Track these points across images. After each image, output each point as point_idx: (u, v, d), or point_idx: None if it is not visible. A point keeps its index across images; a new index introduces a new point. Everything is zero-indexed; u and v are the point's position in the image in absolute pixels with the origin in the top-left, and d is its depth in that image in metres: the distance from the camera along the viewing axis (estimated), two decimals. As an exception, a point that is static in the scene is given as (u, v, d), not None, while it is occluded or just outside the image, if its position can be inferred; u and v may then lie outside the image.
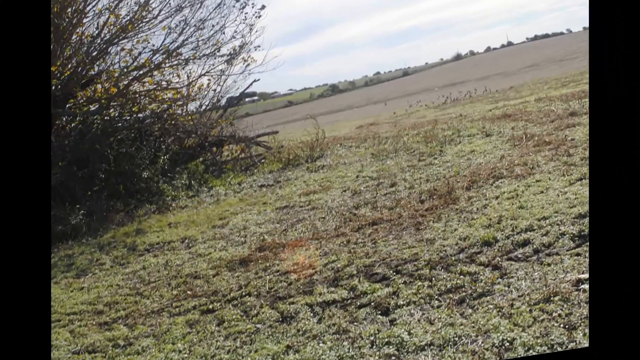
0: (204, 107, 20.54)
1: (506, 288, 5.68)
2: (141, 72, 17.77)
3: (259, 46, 19.77)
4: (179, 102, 18.82)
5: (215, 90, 20.26)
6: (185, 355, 5.91)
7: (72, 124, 16.69)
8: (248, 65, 19.90)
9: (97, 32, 17.04)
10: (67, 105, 16.89)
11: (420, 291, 6.05)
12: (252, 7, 19.39)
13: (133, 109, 17.90)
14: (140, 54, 17.66)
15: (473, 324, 5.15)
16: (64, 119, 16.94)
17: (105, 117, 16.94)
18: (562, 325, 4.81)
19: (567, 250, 6.25)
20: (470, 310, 5.44)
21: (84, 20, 16.91)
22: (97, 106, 17.21)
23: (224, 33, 19.10)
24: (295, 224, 10.08)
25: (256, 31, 19.40)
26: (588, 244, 5.93)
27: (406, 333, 5.25)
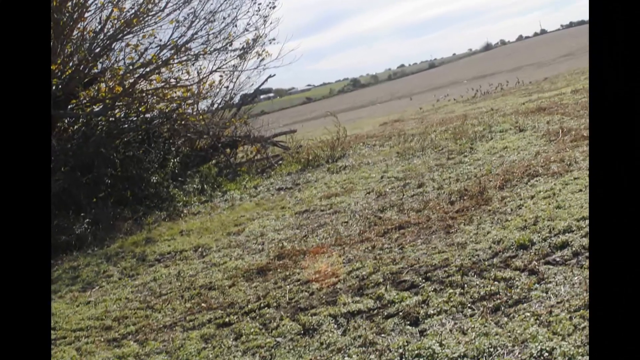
0: (216, 105, 20.57)
1: (544, 294, 5.66)
2: (148, 69, 17.76)
3: (273, 39, 19.58)
4: (189, 101, 18.79)
5: (227, 87, 20.27)
6: (201, 371, 5.94)
7: (75, 126, 16.73)
8: (262, 59, 19.84)
9: (99, 27, 17.05)
10: (69, 106, 16.95)
11: (451, 299, 6.04)
12: None
13: (140, 109, 17.90)
14: (146, 49, 17.67)
15: (509, 334, 5.14)
16: (66, 121, 17.00)
17: (110, 118, 16.98)
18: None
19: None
20: (505, 319, 5.43)
21: (86, 15, 16.94)
22: (101, 107, 17.27)
23: (236, 26, 18.96)
24: (316, 229, 10.10)
25: (270, 23, 19.34)
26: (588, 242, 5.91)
27: (437, 344, 5.24)
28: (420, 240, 8.12)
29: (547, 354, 4.72)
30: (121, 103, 17.66)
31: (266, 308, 7.09)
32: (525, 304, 5.59)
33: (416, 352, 5.22)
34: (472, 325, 5.43)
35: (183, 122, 18.30)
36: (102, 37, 17.04)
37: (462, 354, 5.01)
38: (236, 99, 21.30)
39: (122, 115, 17.78)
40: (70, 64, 16.81)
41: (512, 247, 6.98)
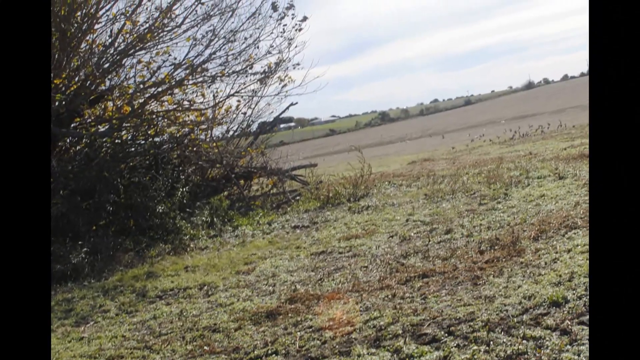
0: (231, 132, 20.55)
1: (576, 357, 5.66)
2: (160, 89, 17.75)
3: (298, 64, 19.55)
4: (203, 126, 18.79)
5: (245, 113, 20.30)
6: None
7: (78, 147, 16.76)
8: (285, 85, 19.84)
9: (110, 40, 17.10)
10: (72, 125, 16.98)
11: (475, 356, 6.05)
12: (292, 18, 19.05)
13: (149, 132, 17.88)
14: (159, 67, 17.70)
15: (536, 398, 5.14)
16: (68, 140, 17.02)
17: (116, 140, 17.03)
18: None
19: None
20: (533, 382, 5.43)
21: (96, 27, 16.99)
22: (107, 127, 17.31)
23: (257, 47, 18.96)
24: (333, 272, 10.12)
25: (295, 46, 19.32)
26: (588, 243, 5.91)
27: (457, 405, 5.25)
28: (445, 291, 8.13)
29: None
30: (129, 124, 17.61)
31: (274, 355, 7.10)
32: (555, 367, 5.58)
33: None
34: (496, 387, 5.43)
35: (195, 149, 18.23)
36: (112, 51, 17.06)
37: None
38: (254, 127, 21.32)
39: (129, 137, 17.78)
40: (76, 79, 16.84)
41: (544, 303, 6.97)
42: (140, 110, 17.52)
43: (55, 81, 15.85)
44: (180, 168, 17.39)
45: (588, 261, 4.27)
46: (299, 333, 7.61)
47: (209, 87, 18.71)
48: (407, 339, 6.81)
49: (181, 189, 16.18)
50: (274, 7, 18.68)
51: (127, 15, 16.88)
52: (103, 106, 17.63)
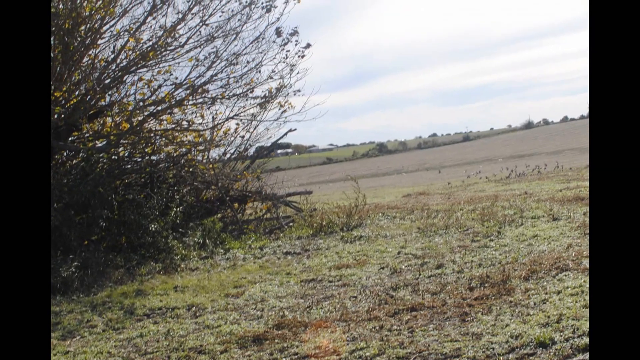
0: (228, 155, 20.54)
1: (560, 399, 5.68)
2: (159, 107, 17.74)
3: (298, 90, 19.50)
4: (200, 147, 18.77)
5: (243, 137, 20.25)
6: None
7: (74, 161, 16.70)
8: (284, 111, 19.73)
9: (112, 56, 17.11)
10: (70, 139, 16.97)
11: (459, 393, 6.06)
12: (296, 44, 19.02)
13: (146, 150, 17.92)
14: (160, 86, 17.71)
15: None
16: (65, 153, 16.99)
17: (113, 157, 17.02)
18: None
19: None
20: (515, 421, 5.44)
21: (99, 42, 17.01)
22: (104, 142, 17.30)
23: (259, 72, 18.90)
24: (322, 300, 10.14)
25: (297, 73, 19.29)
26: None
27: None
28: (433, 326, 8.15)
29: None
30: (126, 141, 17.60)
31: (258, 380, 7.10)
32: (538, 407, 5.60)
33: None
34: None
35: (191, 169, 18.21)
36: (113, 67, 17.08)
37: None
38: (251, 151, 21.34)
39: (126, 154, 17.81)
40: (77, 92, 16.82)
41: (530, 343, 7.00)
42: (138, 128, 17.49)
43: (55, 94, 15.86)
44: (176, 188, 17.37)
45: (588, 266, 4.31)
46: (284, 359, 7.62)
47: (208, 108, 18.72)
48: (392, 371, 6.81)
49: (175, 209, 16.16)
50: (278, 33, 18.69)
51: (131, 32, 16.89)
52: (102, 121, 17.62)
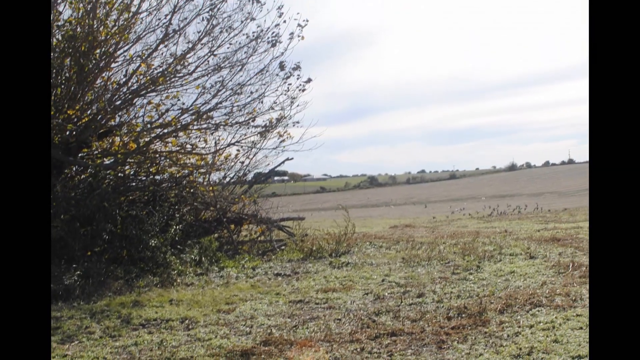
0: (228, 179, 20.50)
1: None
2: (166, 130, 17.67)
3: (297, 122, 19.50)
4: (202, 170, 18.74)
5: (243, 162, 20.20)
6: None
7: (82, 176, 16.75)
8: (283, 141, 19.69)
9: (124, 79, 17.17)
10: (80, 155, 16.99)
11: (432, 415, 6.09)
12: (298, 78, 19.07)
13: (150, 170, 17.96)
14: (167, 110, 17.69)
15: None
16: (74, 168, 17.05)
17: (119, 174, 17.06)
18: None
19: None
20: None
21: (112, 65, 17.08)
22: (112, 160, 17.30)
23: (262, 102, 18.87)
24: (308, 321, 10.15)
25: (297, 105, 19.31)
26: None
27: None
28: (411, 351, 8.18)
29: None
30: (133, 160, 17.60)
31: (244, 392, 7.11)
32: None
33: None
34: None
35: (192, 190, 18.26)
36: (125, 90, 17.08)
37: None
38: (249, 176, 21.29)
39: (132, 172, 17.84)
40: (89, 112, 16.82)
41: (502, 373, 7.04)
42: (145, 148, 17.46)
43: (68, 112, 15.92)
44: (176, 207, 17.40)
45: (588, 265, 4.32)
46: (269, 374, 7.64)
47: (212, 133, 18.68)
48: (370, 391, 6.84)
49: (175, 226, 16.16)
50: (282, 67, 18.75)
51: (143, 58, 16.92)
52: (111, 140, 17.61)
